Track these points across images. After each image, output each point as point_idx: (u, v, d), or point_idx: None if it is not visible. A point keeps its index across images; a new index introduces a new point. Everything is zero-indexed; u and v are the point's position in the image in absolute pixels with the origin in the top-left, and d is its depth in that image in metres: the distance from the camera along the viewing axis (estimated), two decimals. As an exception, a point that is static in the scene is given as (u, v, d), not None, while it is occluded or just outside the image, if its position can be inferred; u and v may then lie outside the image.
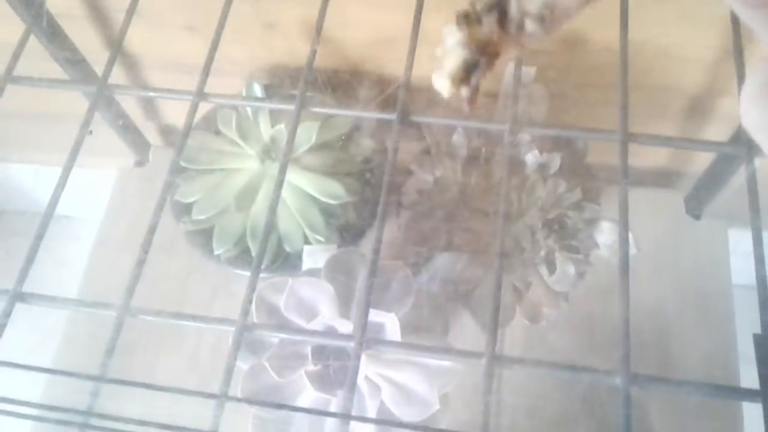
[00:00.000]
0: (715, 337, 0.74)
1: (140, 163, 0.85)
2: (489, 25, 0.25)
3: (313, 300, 0.50)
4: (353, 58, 0.69)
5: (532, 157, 0.56)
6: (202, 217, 0.64)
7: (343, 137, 0.67)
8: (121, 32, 0.51)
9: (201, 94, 0.48)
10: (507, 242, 0.56)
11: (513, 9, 0.25)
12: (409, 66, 0.46)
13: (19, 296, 0.42)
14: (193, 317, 0.41)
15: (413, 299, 0.51)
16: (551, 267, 0.55)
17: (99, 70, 0.72)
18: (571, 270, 0.56)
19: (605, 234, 0.56)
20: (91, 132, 0.40)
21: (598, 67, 0.64)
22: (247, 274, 0.64)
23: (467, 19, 0.26)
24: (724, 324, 0.74)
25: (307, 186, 0.64)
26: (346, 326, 0.48)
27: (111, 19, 0.69)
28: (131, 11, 0.51)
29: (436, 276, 0.60)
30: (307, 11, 0.64)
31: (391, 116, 0.45)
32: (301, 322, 0.50)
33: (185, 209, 0.66)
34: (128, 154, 0.85)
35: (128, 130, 0.81)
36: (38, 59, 0.55)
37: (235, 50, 0.69)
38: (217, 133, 0.67)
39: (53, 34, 0.65)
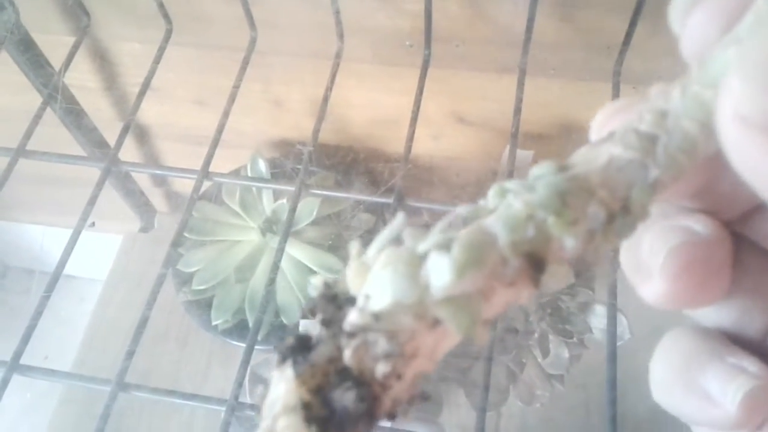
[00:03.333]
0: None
1: (145, 229, 0.87)
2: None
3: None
4: (356, 136, 0.71)
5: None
6: (202, 287, 0.65)
7: (343, 212, 0.68)
8: (132, 109, 0.53)
9: (205, 174, 0.49)
10: (501, 324, 0.57)
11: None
12: (407, 154, 0.47)
13: (17, 368, 0.42)
14: (186, 395, 0.42)
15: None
16: (545, 350, 0.56)
17: (110, 137, 0.74)
18: (565, 353, 0.56)
19: (599, 318, 0.57)
20: (93, 224, 0.41)
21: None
22: (243, 345, 0.65)
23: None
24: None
25: (306, 259, 0.65)
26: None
27: (124, 92, 0.72)
28: (144, 89, 0.53)
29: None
30: (313, 90, 0.66)
31: (389, 200, 0.46)
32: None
33: (186, 278, 0.67)
34: (134, 219, 0.87)
35: (135, 196, 0.83)
36: (51, 125, 0.57)
37: (244, 124, 0.71)
38: (221, 204, 0.69)
39: (68, 107, 0.67)
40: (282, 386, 0.13)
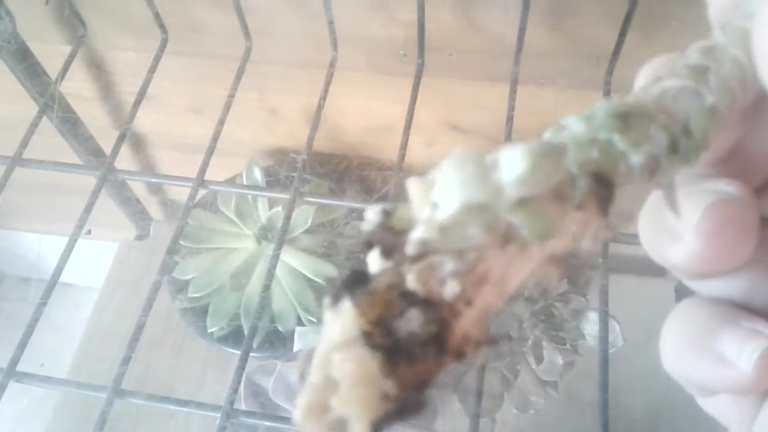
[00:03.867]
0: (708, 427, 0.74)
1: (141, 237, 0.87)
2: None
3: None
4: (350, 144, 0.72)
5: (520, 248, 0.57)
6: (197, 294, 0.65)
7: (338, 220, 0.69)
8: (128, 118, 0.53)
9: (201, 182, 0.50)
10: (495, 330, 0.57)
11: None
12: (400, 162, 0.48)
13: (13, 375, 0.43)
14: (181, 402, 0.42)
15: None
16: (538, 357, 0.56)
17: (106, 145, 0.75)
18: (559, 360, 0.56)
19: (592, 325, 0.57)
20: (89, 232, 0.41)
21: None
22: (238, 352, 0.65)
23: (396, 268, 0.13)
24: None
25: (302, 267, 0.65)
26: (332, 412, 0.49)
27: (120, 100, 0.72)
28: (140, 98, 0.54)
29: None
30: (308, 99, 0.66)
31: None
32: (288, 407, 0.50)
33: (181, 286, 0.67)
34: (130, 227, 0.87)
35: (131, 204, 0.83)
36: (47, 134, 0.58)
37: (239, 132, 0.71)
38: (217, 212, 0.69)
39: (65, 116, 0.67)
40: (337, 323, 0.12)
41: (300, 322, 0.64)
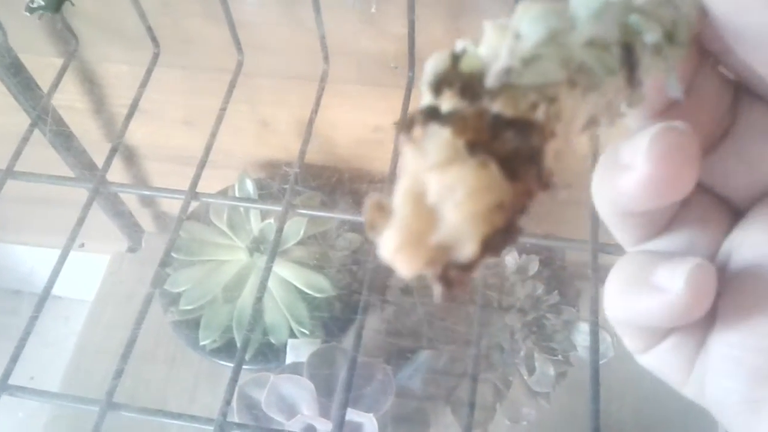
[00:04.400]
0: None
1: (133, 249, 0.87)
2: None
3: (294, 397, 0.51)
4: (341, 156, 0.72)
5: (511, 259, 0.57)
6: (189, 307, 0.65)
7: (330, 232, 0.69)
8: (121, 131, 0.53)
9: (193, 194, 0.50)
10: (487, 342, 0.57)
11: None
12: (392, 173, 0.48)
13: (6, 389, 0.43)
14: (174, 415, 0.42)
15: (393, 398, 0.51)
16: (530, 368, 0.56)
17: (98, 158, 0.75)
18: (551, 371, 0.57)
19: (583, 335, 0.57)
20: (83, 245, 0.41)
21: (580, 174, 0.67)
22: (231, 365, 0.65)
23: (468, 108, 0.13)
24: (708, 424, 0.74)
25: (294, 279, 0.65)
26: (325, 425, 0.49)
27: (112, 113, 0.72)
28: (132, 111, 0.54)
29: (418, 372, 0.61)
30: (300, 112, 0.67)
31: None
32: (281, 420, 0.50)
33: (173, 298, 0.67)
34: (121, 239, 0.87)
35: (123, 216, 0.83)
36: (38, 146, 0.58)
37: (231, 145, 0.71)
38: (209, 224, 0.69)
39: (57, 128, 0.67)
40: (429, 147, 0.12)
41: (292, 335, 0.64)
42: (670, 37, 0.15)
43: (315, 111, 0.54)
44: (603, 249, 0.44)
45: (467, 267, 0.12)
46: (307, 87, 0.57)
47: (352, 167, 0.73)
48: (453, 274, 0.12)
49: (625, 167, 0.16)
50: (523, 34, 0.13)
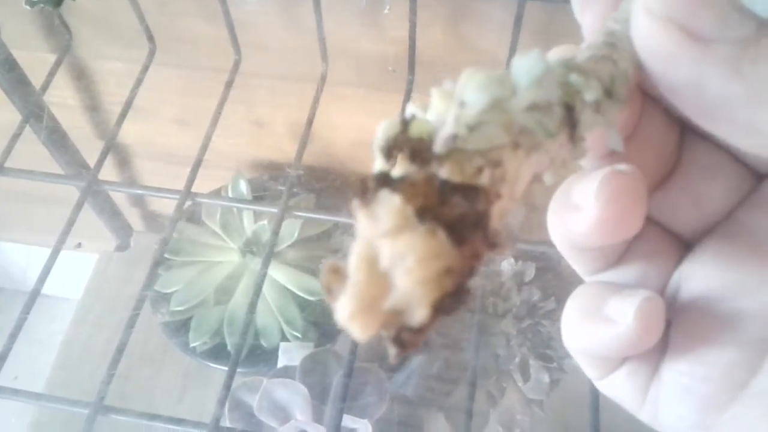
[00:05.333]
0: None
1: (121, 248, 0.86)
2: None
3: (287, 402, 0.50)
4: (338, 157, 0.72)
5: (507, 265, 0.57)
6: (180, 308, 0.64)
7: (323, 234, 0.68)
8: (114, 130, 0.52)
9: (188, 194, 0.49)
10: (482, 348, 0.57)
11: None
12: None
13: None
14: (170, 419, 0.41)
15: (387, 404, 0.51)
16: (525, 375, 0.56)
17: (88, 155, 0.74)
18: (546, 378, 0.56)
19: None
20: (80, 245, 0.40)
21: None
22: (221, 367, 0.64)
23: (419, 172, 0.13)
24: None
25: (287, 281, 0.64)
26: (319, 431, 0.48)
27: (105, 110, 0.71)
28: (126, 110, 0.53)
29: (412, 377, 0.60)
30: (295, 113, 0.66)
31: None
32: (274, 425, 0.50)
33: (164, 299, 0.66)
34: (110, 238, 0.86)
35: (112, 215, 0.82)
36: (27, 141, 0.57)
37: (225, 145, 0.71)
38: (201, 224, 0.68)
39: (48, 125, 0.66)
40: (380, 214, 0.13)
41: (284, 338, 0.64)
42: (608, 93, 0.16)
43: (313, 112, 0.53)
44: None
45: (420, 329, 0.12)
46: (304, 88, 0.56)
47: (348, 169, 0.72)
48: (406, 336, 0.13)
49: (575, 207, 0.17)
50: (467, 101, 0.14)
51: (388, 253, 0.12)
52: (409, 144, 0.14)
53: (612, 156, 0.18)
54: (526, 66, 0.15)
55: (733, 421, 0.17)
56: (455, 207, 0.13)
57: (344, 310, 0.12)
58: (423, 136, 0.14)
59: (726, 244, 0.18)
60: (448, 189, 0.13)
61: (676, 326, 0.18)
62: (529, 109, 0.14)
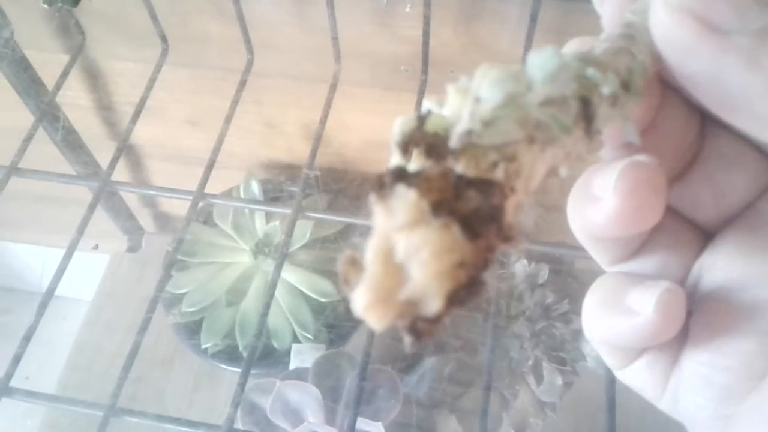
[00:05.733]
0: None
1: (133, 249, 0.86)
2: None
3: (300, 404, 0.50)
4: (349, 158, 0.71)
5: (520, 267, 0.57)
6: (191, 309, 0.64)
7: (336, 235, 0.68)
8: (127, 130, 0.52)
9: (201, 194, 0.49)
10: (495, 350, 0.56)
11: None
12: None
13: (6, 391, 0.42)
14: (180, 421, 0.41)
15: (400, 406, 0.50)
16: (539, 377, 0.55)
17: (100, 155, 0.74)
18: (559, 380, 0.56)
19: (592, 345, 0.56)
20: (96, 246, 0.40)
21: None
22: (232, 369, 0.64)
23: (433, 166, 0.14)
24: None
25: (298, 282, 0.64)
26: (331, 433, 0.48)
27: (117, 111, 0.71)
28: (139, 110, 0.53)
29: (424, 379, 0.60)
30: (306, 114, 0.66)
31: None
32: (286, 427, 0.49)
33: (175, 300, 0.66)
34: (121, 238, 0.86)
35: (124, 216, 0.82)
36: (37, 142, 0.57)
37: (236, 146, 0.71)
38: (213, 225, 0.68)
39: (62, 126, 0.66)
40: (396, 208, 0.13)
41: (296, 339, 0.63)
42: (626, 86, 0.16)
43: (326, 113, 0.53)
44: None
45: (434, 320, 0.13)
46: (316, 88, 0.56)
47: (360, 170, 0.72)
48: (421, 325, 0.13)
49: (595, 198, 0.17)
50: (482, 97, 0.14)
51: (404, 246, 0.13)
52: (425, 139, 0.14)
53: (632, 146, 0.18)
54: (540, 61, 0.15)
55: (753, 411, 0.17)
56: (470, 201, 0.13)
57: (361, 301, 0.13)
58: (439, 131, 0.14)
59: (746, 234, 0.18)
60: (463, 183, 0.13)
61: (697, 316, 0.18)
62: (544, 104, 0.14)
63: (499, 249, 0.13)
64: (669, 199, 0.19)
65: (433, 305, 0.13)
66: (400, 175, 0.13)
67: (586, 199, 0.17)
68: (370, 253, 0.13)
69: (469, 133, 0.14)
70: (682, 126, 0.18)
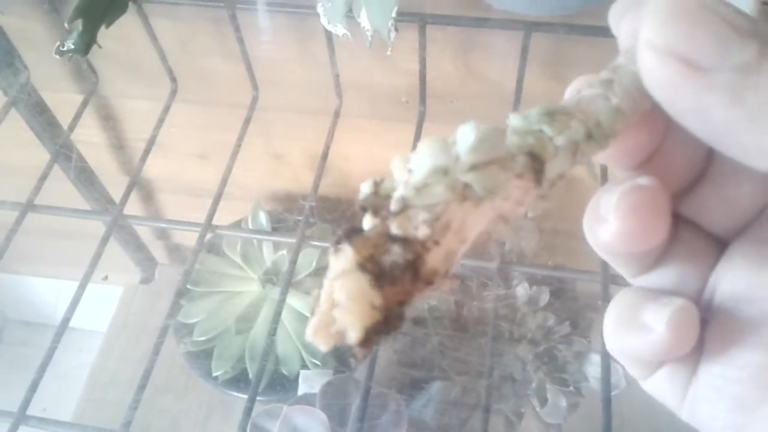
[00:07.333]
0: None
1: (146, 281, 0.88)
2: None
3: (307, 429, 0.51)
4: (354, 188, 0.73)
5: (522, 290, 0.58)
6: (202, 338, 0.65)
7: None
8: (138, 165, 0.55)
9: (209, 226, 0.51)
10: (499, 373, 0.57)
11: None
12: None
13: (23, 419, 0.43)
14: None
15: (405, 430, 0.51)
16: (542, 399, 0.56)
17: (113, 190, 0.76)
18: (563, 402, 0.57)
19: (595, 367, 0.57)
20: (106, 278, 0.42)
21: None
22: (243, 396, 0.65)
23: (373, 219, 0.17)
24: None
25: (306, 309, 0.66)
26: (338, 456, 0.49)
27: (129, 147, 0.73)
28: (150, 146, 0.55)
29: (430, 403, 0.61)
30: (312, 145, 0.68)
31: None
32: (294, 451, 0.51)
33: (187, 329, 0.68)
34: (135, 270, 0.88)
35: (137, 248, 0.84)
36: (52, 178, 0.59)
37: (245, 177, 0.73)
38: (222, 255, 0.70)
39: (76, 163, 0.69)
40: (339, 261, 0.16)
41: (304, 365, 0.65)
42: (591, 133, 0.17)
43: (328, 145, 0.55)
44: (613, 280, 0.45)
45: (361, 345, 0.16)
46: (320, 121, 0.58)
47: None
48: (355, 349, 0.16)
49: (602, 219, 0.18)
50: (414, 168, 0.17)
51: (337, 290, 0.16)
52: (375, 202, 0.17)
53: (644, 166, 0.19)
54: (461, 135, 0.17)
55: (764, 421, 0.17)
56: (393, 255, 0.16)
57: (309, 328, 0.17)
58: (390, 194, 0.17)
59: (753, 245, 0.19)
60: (391, 241, 0.16)
61: (712, 328, 0.19)
62: (472, 169, 0.17)
63: (420, 292, 0.16)
64: (684, 211, 0.20)
65: (352, 336, 0.16)
66: (349, 233, 0.16)
67: (595, 218, 0.18)
68: (322, 293, 0.17)
69: (402, 198, 0.16)
70: (692, 143, 0.19)
